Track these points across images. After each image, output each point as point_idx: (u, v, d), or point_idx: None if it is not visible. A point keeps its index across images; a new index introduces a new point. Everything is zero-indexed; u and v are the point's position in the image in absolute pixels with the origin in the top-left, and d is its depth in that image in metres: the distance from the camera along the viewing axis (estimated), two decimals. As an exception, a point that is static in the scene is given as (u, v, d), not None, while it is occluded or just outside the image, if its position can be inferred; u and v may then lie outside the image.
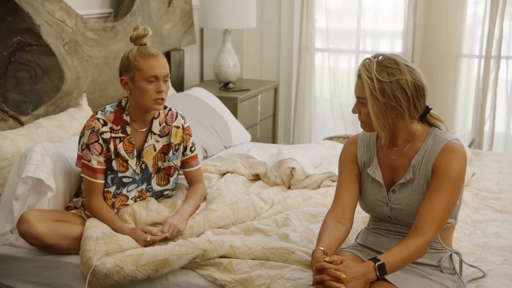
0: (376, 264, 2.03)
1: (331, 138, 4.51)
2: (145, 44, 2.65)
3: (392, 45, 5.19)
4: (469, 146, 4.77)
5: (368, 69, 2.12)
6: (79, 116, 3.28)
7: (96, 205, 2.65)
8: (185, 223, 2.62)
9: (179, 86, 4.52)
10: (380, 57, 2.15)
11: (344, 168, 2.33)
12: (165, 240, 2.55)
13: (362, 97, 2.15)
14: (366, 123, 2.20)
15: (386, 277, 2.09)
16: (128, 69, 2.63)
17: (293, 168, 3.19)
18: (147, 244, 2.54)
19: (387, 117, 2.13)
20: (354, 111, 2.22)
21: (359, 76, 2.16)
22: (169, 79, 2.68)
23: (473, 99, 4.91)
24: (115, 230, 2.58)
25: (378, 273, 2.03)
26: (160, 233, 2.55)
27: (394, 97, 2.10)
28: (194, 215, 2.70)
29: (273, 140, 5.19)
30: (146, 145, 2.72)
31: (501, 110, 4.89)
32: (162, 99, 2.63)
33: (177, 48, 4.45)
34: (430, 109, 2.21)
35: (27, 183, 2.62)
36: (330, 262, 2.04)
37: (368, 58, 2.16)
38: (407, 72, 2.11)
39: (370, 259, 2.07)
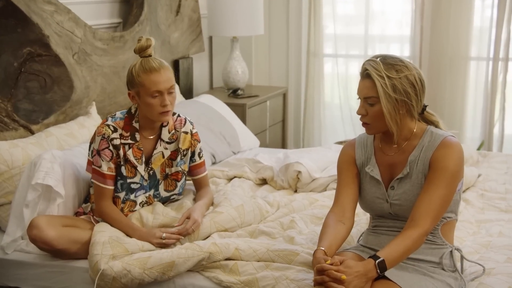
0: (376, 261, 2.07)
1: (341, 143, 4.55)
2: (149, 55, 2.64)
3: (400, 49, 5.20)
4: (478, 148, 4.77)
5: (376, 68, 2.18)
6: (88, 124, 3.33)
7: (108, 208, 2.69)
8: (201, 219, 2.65)
9: (188, 93, 4.56)
10: (379, 58, 2.21)
11: (342, 170, 2.39)
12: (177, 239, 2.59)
13: (372, 96, 2.21)
14: (369, 125, 2.26)
15: (388, 275, 2.12)
16: (133, 85, 2.66)
17: (299, 172, 3.22)
18: (161, 243, 2.55)
19: (398, 113, 2.20)
20: (360, 112, 2.27)
21: (367, 76, 2.21)
22: (175, 89, 2.69)
23: (482, 101, 4.91)
24: (131, 233, 2.62)
25: (379, 270, 2.07)
26: (176, 232, 2.58)
27: (405, 92, 2.18)
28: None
29: (283, 146, 5.21)
30: (155, 152, 2.75)
31: (510, 112, 4.88)
32: (168, 111, 2.66)
33: (186, 56, 4.50)
34: (426, 106, 2.29)
35: (37, 190, 2.68)
36: (331, 264, 2.07)
37: (371, 60, 2.21)
38: (413, 68, 2.20)
39: (370, 257, 2.10)
